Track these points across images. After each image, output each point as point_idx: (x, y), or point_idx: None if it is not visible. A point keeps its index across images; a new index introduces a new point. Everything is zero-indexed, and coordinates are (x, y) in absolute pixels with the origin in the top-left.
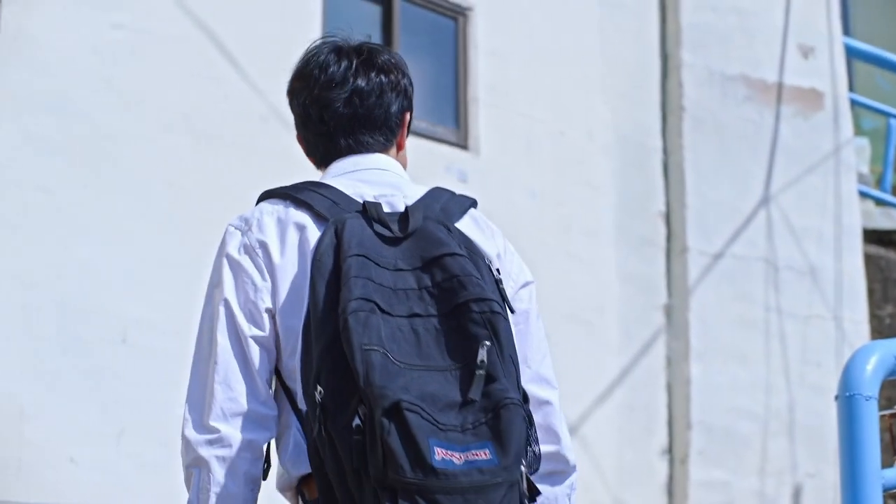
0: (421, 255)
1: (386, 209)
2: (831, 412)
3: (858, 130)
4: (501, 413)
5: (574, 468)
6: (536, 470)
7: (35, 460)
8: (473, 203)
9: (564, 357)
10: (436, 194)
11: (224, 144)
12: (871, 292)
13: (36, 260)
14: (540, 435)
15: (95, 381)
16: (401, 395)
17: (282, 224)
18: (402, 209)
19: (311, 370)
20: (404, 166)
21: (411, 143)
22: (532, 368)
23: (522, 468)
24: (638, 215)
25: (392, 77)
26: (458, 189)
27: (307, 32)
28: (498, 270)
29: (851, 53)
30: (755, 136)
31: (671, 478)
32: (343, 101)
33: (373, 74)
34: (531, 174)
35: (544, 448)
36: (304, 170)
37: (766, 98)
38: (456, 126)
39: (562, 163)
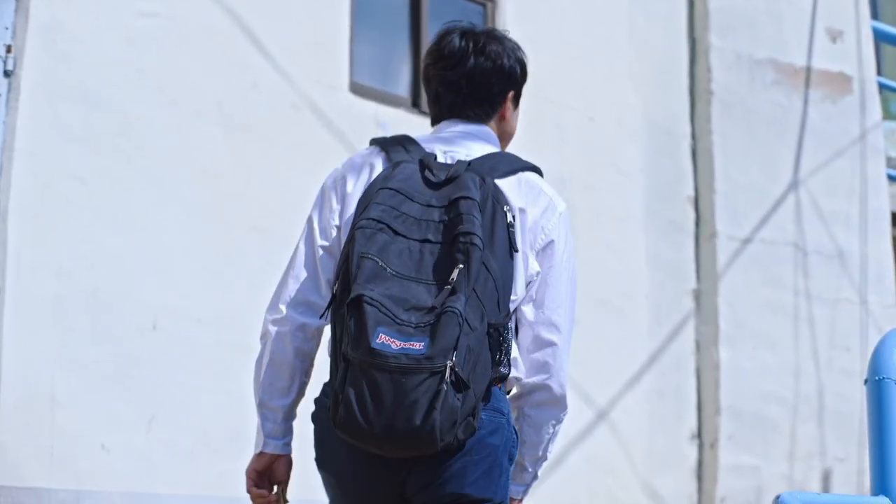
0: (449, 197)
1: (448, 161)
2: (860, 396)
3: (886, 114)
4: (442, 317)
5: (562, 404)
6: (489, 381)
7: (67, 447)
8: (530, 168)
9: (594, 342)
10: (497, 156)
11: (255, 133)
12: None
13: (67, 249)
14: (535, 368)
15: (126, 369)
16: (367, 292)
17: (364, 164)
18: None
19: (337, 270)
20: (508, 133)
21: None
22: (545, 314)
23: (449, 363)
24: (667, 201)
25: (499, 63)
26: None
27: (337, 20)
28: (514, 217)
29: (879, 37)
30: (784, 120)
31: (700, 462)
32: (453, 80)
33: (482, 60)
34: (561, 161)
35: (535, 378)
36: (332, 157)
37: (795, 82)
38: None
39: (591, 149)
